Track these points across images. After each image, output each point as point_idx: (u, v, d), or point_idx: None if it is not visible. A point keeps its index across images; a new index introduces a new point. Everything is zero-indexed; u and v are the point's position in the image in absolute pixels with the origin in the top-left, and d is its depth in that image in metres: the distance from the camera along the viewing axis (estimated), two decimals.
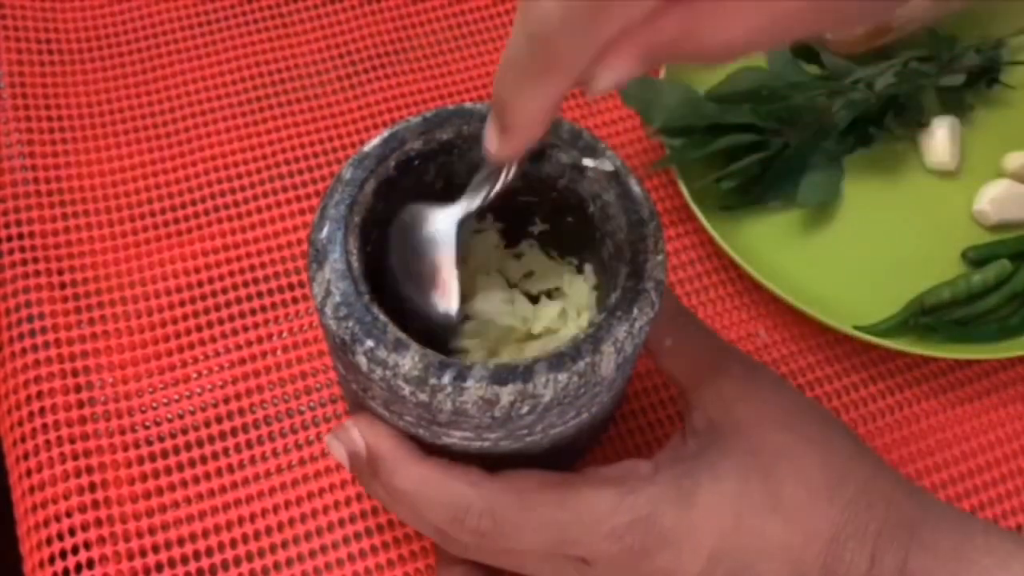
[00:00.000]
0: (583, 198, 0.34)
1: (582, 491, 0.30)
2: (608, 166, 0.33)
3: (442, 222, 0.32)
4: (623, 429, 0.43)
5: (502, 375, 0.28)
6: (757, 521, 0.31)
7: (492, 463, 0.32)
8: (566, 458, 0.36)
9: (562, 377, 0.29)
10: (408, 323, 0.30)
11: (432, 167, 0.34)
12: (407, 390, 0.28)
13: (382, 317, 0.29)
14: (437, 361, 0.29)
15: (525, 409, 0.29)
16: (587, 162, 0.33)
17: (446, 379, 0.28)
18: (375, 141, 0.33)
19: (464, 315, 0.37)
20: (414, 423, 0.30)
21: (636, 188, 0.33)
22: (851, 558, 0.30)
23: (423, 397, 0.28)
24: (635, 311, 0.30)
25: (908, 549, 0.31)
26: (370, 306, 0.30)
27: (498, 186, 0.31)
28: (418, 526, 0.33)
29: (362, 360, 0.29)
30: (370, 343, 0.29)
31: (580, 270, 0.37)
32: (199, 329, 0.44)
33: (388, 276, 0.33)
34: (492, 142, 0.28)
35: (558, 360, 0.29)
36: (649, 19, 0.23)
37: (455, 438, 0.30)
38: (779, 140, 0.48)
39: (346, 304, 0.29)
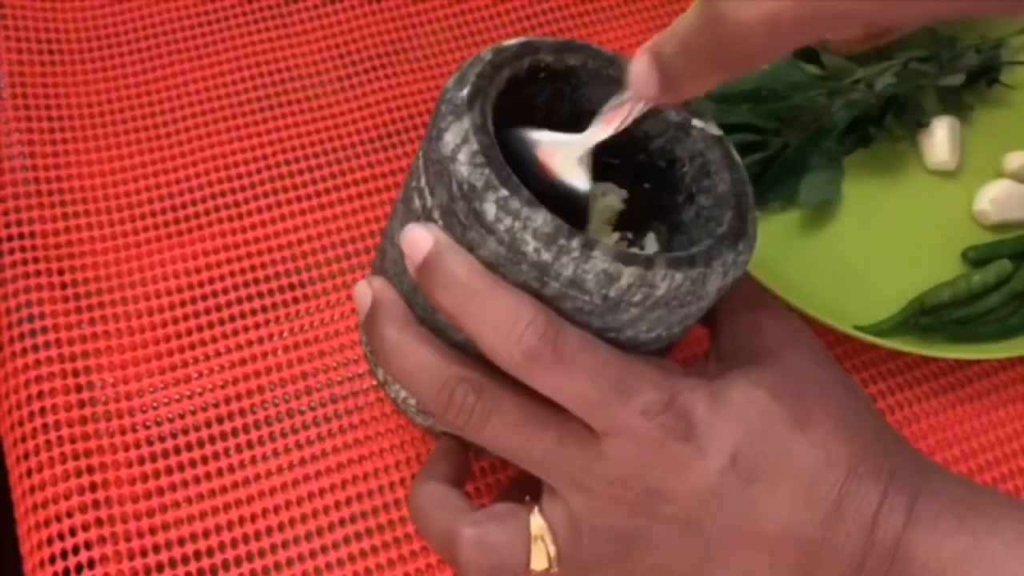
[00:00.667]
0: (677, 158, 0.34)
1: (634, 358, 0.30)
2: (715, 129, 0.34)
3: (573, 139, 0.33)
4: None
5: (627, 256, 0.28)
6: (783, 436, 0.30)
7: None
8: None
9: (679, 276, 0.29)
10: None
11: (547, 89, 0.34)
12: (532, 246, 0.28)
13: (515, 177, 0.29)
14: (567, 227, 0.28)
15: (638, 296, 0.29)
16: (696, 122, 0.34)
17: (575, 243, 0.28)
18: (512, 41, 0.33)
19: None
20: None
21: (736, 154, 0.33)
22: (865, 491, 0.30)
23: (546, 256, 0.28)
24: (740, 245, 0.31)
25: (918, 493, 0.31)
26: (505, 164, 0.29)
27: (633, 115, 0.31)
28: (424, 372, 0.31)
29: (491, 208, 0.28)
30: (505, 192, 0.28)
31: (634, 243, 0.38)
32: (199, 329, 0.44)
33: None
34: (649, 87, 0.29)
35: (676, 260, 0.29)
36: None
37: None
38: (779, 140, 0.48)
39: (485, 154, 0.29)
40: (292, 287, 0.45)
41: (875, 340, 0.43)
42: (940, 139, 0.50)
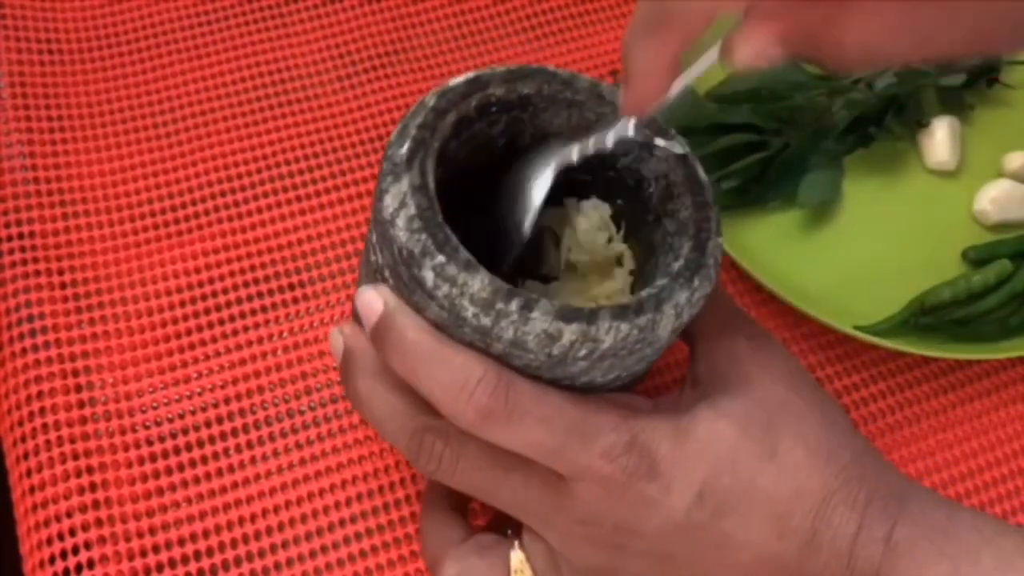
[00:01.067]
0: (643, 178, 0.34)
1: (589, 402, 0.30)
2: (678, 149, 0.33)
3: (545, 157, 0.33)
4: None
5: (568, 313, 0.28)
6: (751, 468, 0.30)
7: None
8: None
9: (624, 327, 0.29)
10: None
11: (504, 120, 0.34)
12: (471, 311, 0.28)
13: (454, 238, 0.29)
14: (506, 288, 0.28)
15: (583, 352, 0.28)
16: (659, 142, 0.33)
17: (513, 306, 0.28)
18: (460, 79, 0.33)
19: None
20: None
21: (702, 174, 0.33)
22: (839, 522, 0.30)
23: (485, 321, 0.28)
24: (696, 281, 0.30)
25: (896, 520, 0.31)
26: (443, 225, 0.29)
27: (608, 140, 0.31)
28: (394, 421, 0.31)
29: (428, 275, 0.28)
30: (441, 258, 0.28)
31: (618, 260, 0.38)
32: (199, 329, 0.44)
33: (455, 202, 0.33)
34: (620, 95, 0.29)
35: (622, 311, 0.29)
36: (791, 4, 0.24)
37: None
38: (779, 140, 0.48)
39: (421, 218, 0.29)
40: (292, 287, 0.45)
41: (875, 340, 0.43)
42: (940, 139, 0.50)
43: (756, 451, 0.30)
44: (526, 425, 0.29)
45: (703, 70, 0.30)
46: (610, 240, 0.37)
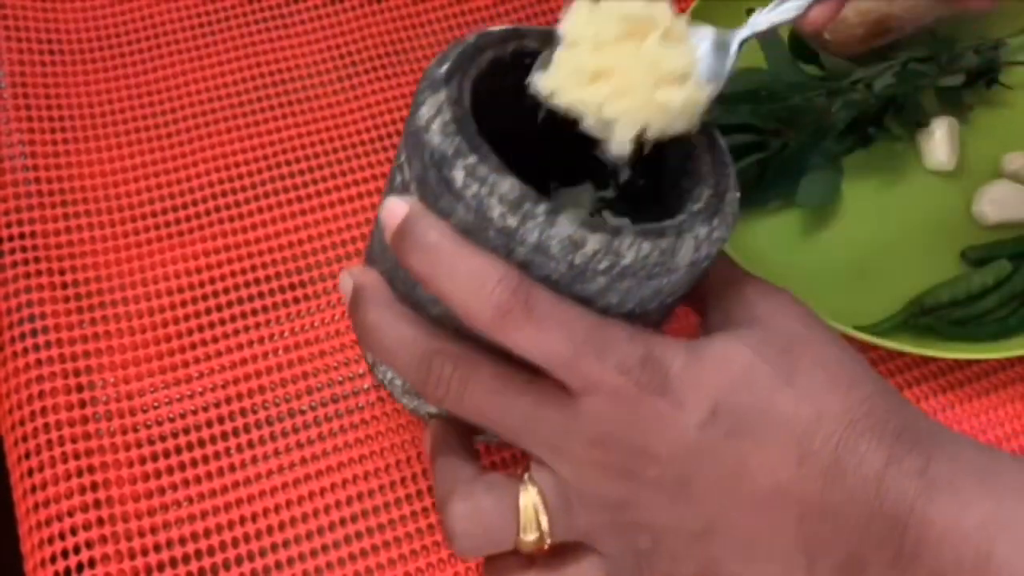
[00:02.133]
0: (666, 146, 0.34)
1: (606, 317, 0.29)
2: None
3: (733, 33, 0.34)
4: None
5: (593, 224, 0.28)
6: (768, 387, 0.29)
7: None
8: None
9: (646, 246, 0.29)
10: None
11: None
12: (497, 211, 0.28)
13: (487, 146, 0.29)
14: (535, 194, 0.28)
15: (604, 264, 0.28)
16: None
17: (540, 209, 0.28)
18: (499, 27, 0.33)
19: None
20: None
21: (721, 140, 0.34)
22: (866, 450, 0.28)
23: (511, 222, 0.28)
24: (715, 221, 0.31)
25: (930, 456, 0.28)
26: (477, 133, 0.29)
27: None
28: (402, 348, 0.31)
29: (459, 175, 0.29)
30: (473, 158, 0.29)
31: None
32: (200, 329, 0.44)
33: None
34: None
35: (645, 231, 0.29)
36: None
37: None
38: (779, 140, 0.48)
39: (456, 122, 0.29)
40: (292, 287, 0.45)
41: (875, 340, 0.43)
42: (939, 139, 0.50)
43: (774, 372, 0.29)
44: (544, 328, 0.28)
45: None
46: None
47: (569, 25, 0.31)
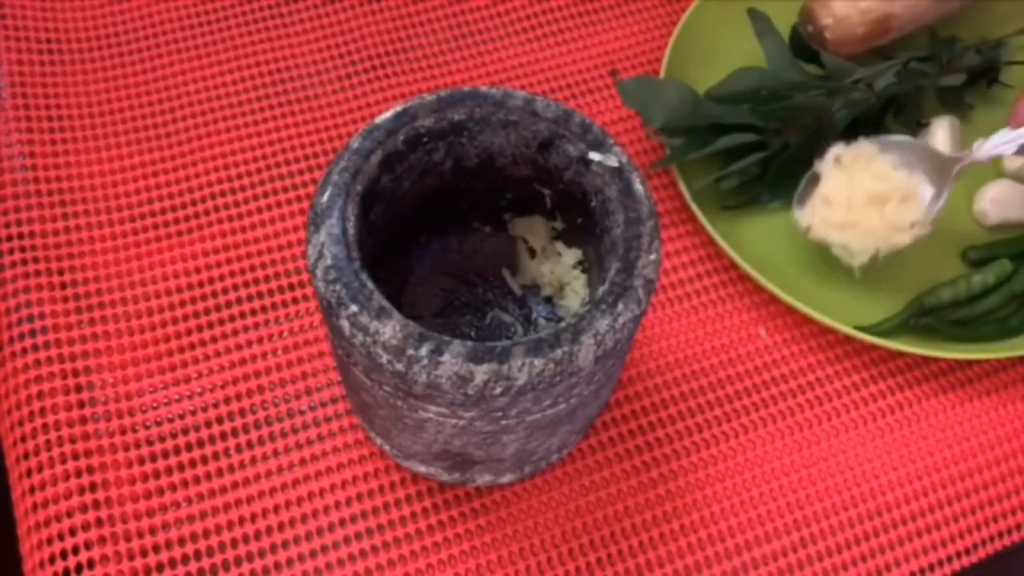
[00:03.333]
0: (585, 192, 0.34)
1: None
2: (613, 161, 0.33)
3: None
4: (613, 433, 0.43)
5: (479, 353, 0.29)
6: None
7: (470, 443, 0.32)
8: (542, 448, 0.36)
9: (538, 362, 0.29)
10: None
11: (442, 146, 0.34)
12: (384, 359, 0.29)
13: (369, 284, 0.30)
14: (417, 333, 0.29)
15: (498, 390, 0.29)
16: (593, 155, 0.33)
17: (423, 351, 0.29)
18: (387, 114, 0.33)
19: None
20: (392, 393, 0.31)
21: (639, 186, 0.33)
22: None
23: (399, 367, 0.29)
24: (620, 306, 0.30)
25: None
26: (359, 272, 0.30)
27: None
28: None
29: (345, 324, 0.29)
30: (354, 308, 0.29)
31: (584, 267, 0.38)
32: (199, 329, 0.44)
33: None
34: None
35: (536, 345, 0.29)
36: None
37: (431, 413, 0.31)
38: (779, 140, 0.48)
39: (336, 268, 0.30)
40: (292, 287, 0.45)
41: (875, 340, 0.43)
42: (940, 139, 0.50)
43: None
44: None
45: None
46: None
47: (829, 189, 0.44)
